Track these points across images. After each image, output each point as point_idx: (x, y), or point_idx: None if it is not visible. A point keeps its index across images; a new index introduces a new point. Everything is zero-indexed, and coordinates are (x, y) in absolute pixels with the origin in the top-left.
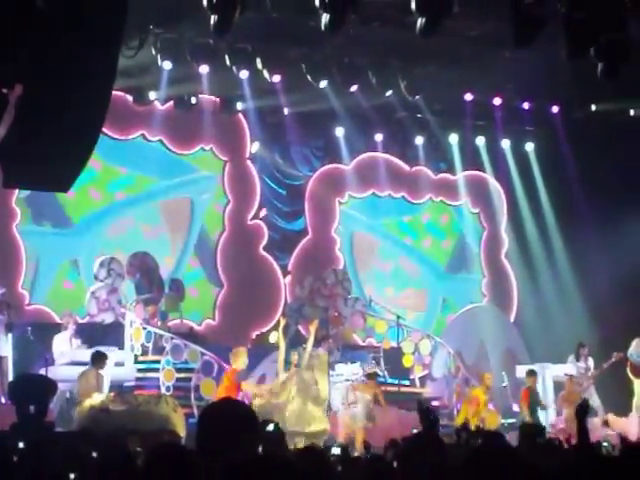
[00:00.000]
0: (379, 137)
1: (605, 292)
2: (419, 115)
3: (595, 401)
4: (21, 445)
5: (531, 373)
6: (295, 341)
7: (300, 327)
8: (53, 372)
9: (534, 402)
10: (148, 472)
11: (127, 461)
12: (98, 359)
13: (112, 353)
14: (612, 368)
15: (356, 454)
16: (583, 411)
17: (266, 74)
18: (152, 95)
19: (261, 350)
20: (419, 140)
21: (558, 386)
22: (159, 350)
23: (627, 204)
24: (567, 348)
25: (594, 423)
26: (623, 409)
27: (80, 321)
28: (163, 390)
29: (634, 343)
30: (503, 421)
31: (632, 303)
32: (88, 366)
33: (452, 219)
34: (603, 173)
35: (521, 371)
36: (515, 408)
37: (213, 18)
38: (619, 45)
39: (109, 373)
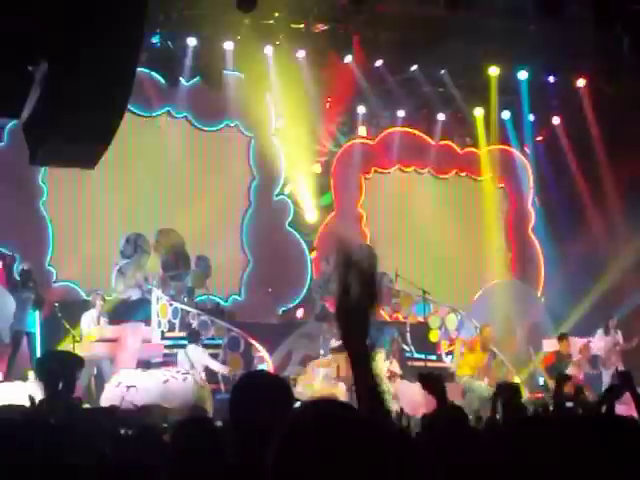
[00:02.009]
0: (404, 112)
1: (633, 266)
2: (444, 90)
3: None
4: (51, 421)
5: (562, 337)
6: (321, 317)
7: (327, 302)
8: (80, 349)
9: (559, 367)
10: (174, 446)
11: (153, 436)
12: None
13: (139, 329)
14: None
15: None
16: (562, 378)
17: (290, 50)
18: (178, 71)
19: (287, 326)
20: (444, 115)
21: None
22: (186, 326)
23: None
24: (595, 322)
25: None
26: None
27: (107, 298)
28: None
29: None
30: (530, 395)
31: None
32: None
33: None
34: (632, 145)
35: (548, 345)
36: (541, 382)
37: None
38: None
39: (137, 349)
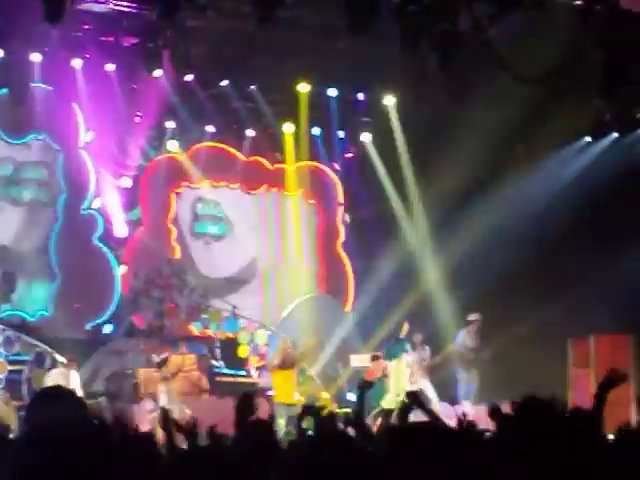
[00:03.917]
0: (215, 127)
1: (438, 283)
2: (254, 105)
3: (430, 391)
4: None
5: (375, 357)
6: (130, 332)
7: (135, 318)
8: None
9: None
10: None
11: None
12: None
13: None
14: (446, 359)
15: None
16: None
17: (100, 63)
18: None
19: (95, 342)
20: (255, 130)
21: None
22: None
23: (459, 197)
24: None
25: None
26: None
27: None
28: None
29: (461, 335)
30: (338, 410)
31: (461, 293)
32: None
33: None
34: (439, 162)
35: (355, 360)
36: (349, 397)
37: (44, 6)
38: (451, 37)
39: None
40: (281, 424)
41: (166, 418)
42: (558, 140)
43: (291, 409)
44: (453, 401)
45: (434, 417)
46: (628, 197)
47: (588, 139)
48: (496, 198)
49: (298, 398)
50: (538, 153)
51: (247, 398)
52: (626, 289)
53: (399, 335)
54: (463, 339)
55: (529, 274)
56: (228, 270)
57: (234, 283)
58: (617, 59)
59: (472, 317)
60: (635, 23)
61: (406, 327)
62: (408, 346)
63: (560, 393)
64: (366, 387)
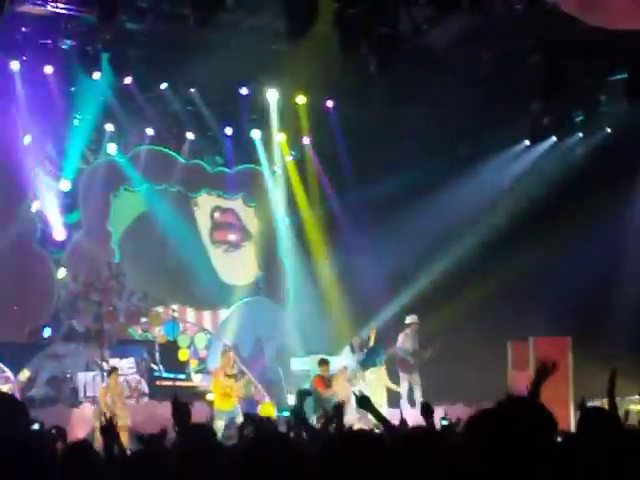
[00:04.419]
0: (154, 130)
1: (378, 286)
2: (194, 108)
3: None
4: None
5: (323, 362)
6: (69, 336)
7: (74, 322)
8: None
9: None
10: None
11: None
12: None
13: None
14: (386, 362)
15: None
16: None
17: (38, 65)
18: None
19: (34, 346)
20: (194, 133)
21: None
22: None
23: (400, 200)
24: (343, 340)
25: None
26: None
27: None
28: None
29: (400, 338)
30: (279, 415)
31: (401, 297)
32: None
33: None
34: (377, 164)
35: (296, 364)
36: (290, 401)
37: None
38: (390, 41)
39: None
40: (220, 425)
41: (108, 424)
42: (497, 144)
43: (230, 413)
44: (395, 404)
45: (384, 421)
46: (566, 201)
47: (527, 143)
48: (436, 201)
49: (238, 402)
50: (477, 156)
51: (179, 403)
52: (564, 291)
53: (369, 344)
54: (402, 342)
55: (469, 277)
56: (248, 277)
57: (256, 289)
58: (556, 62)
59: (409, 320)
60: (574, 26)
61: (373, 333)
62: (382, 351)
63: (500, 396)
64: (304, 395)
